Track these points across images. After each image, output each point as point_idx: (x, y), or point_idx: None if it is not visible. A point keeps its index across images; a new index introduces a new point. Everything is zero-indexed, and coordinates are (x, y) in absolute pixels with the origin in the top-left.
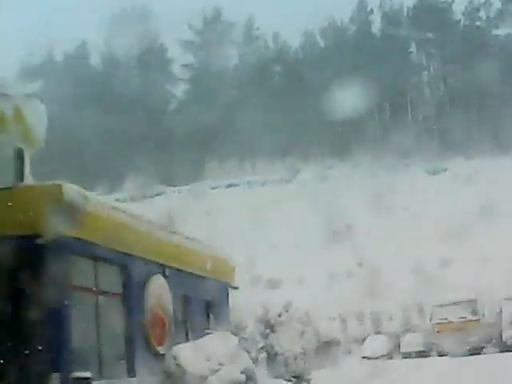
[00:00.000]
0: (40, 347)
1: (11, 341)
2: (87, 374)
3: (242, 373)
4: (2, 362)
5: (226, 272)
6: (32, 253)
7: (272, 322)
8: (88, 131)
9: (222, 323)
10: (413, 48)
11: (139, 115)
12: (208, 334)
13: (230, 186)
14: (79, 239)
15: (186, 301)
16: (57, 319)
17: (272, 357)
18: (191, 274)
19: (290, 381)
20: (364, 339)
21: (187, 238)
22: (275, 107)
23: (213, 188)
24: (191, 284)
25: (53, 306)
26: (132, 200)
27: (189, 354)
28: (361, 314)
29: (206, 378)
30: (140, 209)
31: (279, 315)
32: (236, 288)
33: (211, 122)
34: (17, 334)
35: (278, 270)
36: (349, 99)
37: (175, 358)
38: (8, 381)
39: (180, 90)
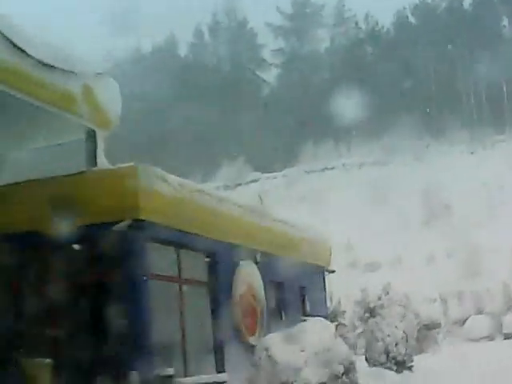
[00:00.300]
0: (118, 342)
1: (87, 335)
2: (170, 371)
3: (339, 364)
4: (78, 358)
5: (321, 255)
6: (108, 241)
7: (371, 305)
8: (180, 121)
9: (317, 310)
10: (505, 22)
11: (231, 102)
12: (303, 321)
13: (325, 169)
14: (159, 225)
15: (278, 287)
16: (136, 311)
17: (371, 343)
18: (284, 258)
19: (390, 369)
20: (465, 320)
21: (280, 221)
22: (368, 88)
23: (308, 172)
24: (284, 269)
25: (132, 296)
26: (226, 188)
27: (281, 344)
28: (461, 294)
29: (300, 370)
30: (234, 196)
31: (379, 298)
32: (332, 271)
33: (304, 106)
34: (93, 327)
35: (376, 253)
36: (443, 76)
37: (266, 349)
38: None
39: (271, 75)
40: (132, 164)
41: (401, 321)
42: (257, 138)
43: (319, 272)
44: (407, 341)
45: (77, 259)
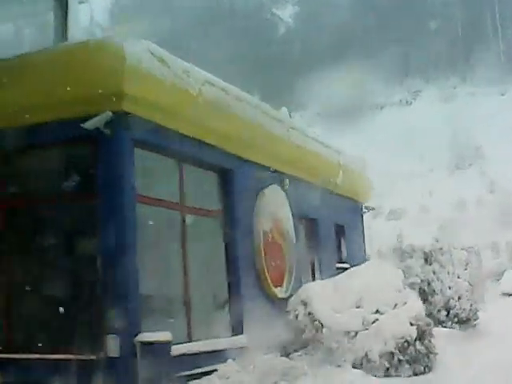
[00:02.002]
0: (91, 294)
1: (50, 284)
2: (165, 336)
3: (411, 325)
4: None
5: (360, 188)
6: (78, 145)
7: (426, 250)
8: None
9: (355, 255)
10: None
11: (249, 41)
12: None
13: None
14: (152, 124)
15: (311, 225)
16: (119, 250)
17: (427, 296)
18: (318, 188)
19: (450, 327)
20: (501, 273)
21: (313, 138)
22: (388, 27)
23: (319, 114)
24: (318, 202)
25: (112, 229)
26: None
27: (327, 297)
28: (495, 245)
29: (354, 333)
30: None
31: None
32: (372, 209)
33: (320, 45)
34: (59, 272)
35: (401, 198)
36: (470, 17)
37: (305, 303)
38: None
39: (288, 13)
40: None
41: (465, 269)
42: (274, 77)
43: (357, 209)
44: (472, 293)
45: (35, 171)
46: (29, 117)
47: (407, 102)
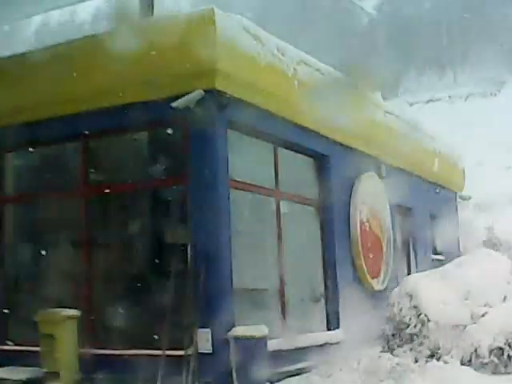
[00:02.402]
0: (181, 285)
1: (137, 274)
2: (261, 330)
3: None
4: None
5: (456, 178)
6: (168, 126)
7: None
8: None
9: (449, 246)
10: None
11: (331, 31)
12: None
13: (429, 101)
14: (246, 104)
15: (406, 214)
16: (210, 239)
17: None
18: (414, 175)
19: None
20: None
21: (407, 123)
22: (467, 18)
23: (411, 104)
24: (413, 190)
25: (203, 217)
26: None
27: (433, 289)
28: None
29: (462, 328)
30: None
31: None
32: (469, 198)
33: (404, 36)
34: (145, 261)
35: (485, 190)
36: None
37: (410, 295)
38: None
39: (370, 4)
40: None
41: None
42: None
43: (451, 199)
44: None
45: (120, 156)
46: (113, 98)
47: (491, 93)
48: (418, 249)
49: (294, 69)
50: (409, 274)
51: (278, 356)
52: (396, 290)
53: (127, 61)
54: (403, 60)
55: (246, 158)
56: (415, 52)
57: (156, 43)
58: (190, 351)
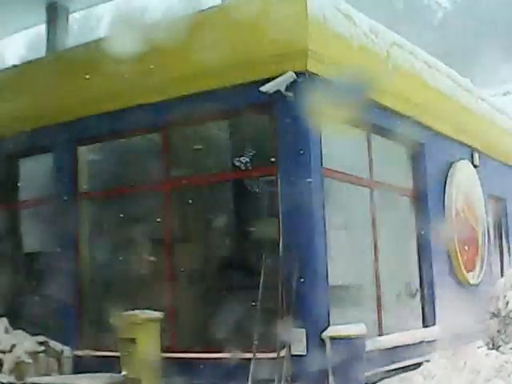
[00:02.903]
0: (273, 284)
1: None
2: (359, 329)
3: None
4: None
5: None
6: (256, 111)
7: None
8: None
9: None
10: None
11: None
12: None
13: (507, 93)
14: (339, 87)
15: (499, 203)
16: (303, 232)
17: None
18: (506, 164)
19: None
20: None
21: (499, 109)
22: None
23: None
24: (507, 180)
25: (295, 209)
26: None
27: None
28: None
29: None
30: None
31: None
32: None
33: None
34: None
35: None
36: None
37: None
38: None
39: None
40: None
41: None
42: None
43: None
44: None
45: (203, 145)
46: (196, 85)
47: None
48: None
49: (387, 51)
50: (502, 267)
51: (374, 356)
52: (500, 282)
53: (212, 44)
54: (479, 52)
55: (338, 146)
56: (491, 44)
57: (245, 24)
58: (282, 353)
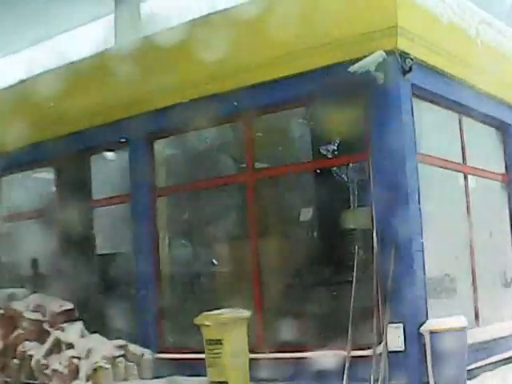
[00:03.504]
0: (366, 276)
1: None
2: (459, 321)
3: None
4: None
5: None
6: (343, 94)
7: None
8: None
9: None
10: None
11: None
12: None
13: None
14: (428, 68)
15: None
16: (399, 222)
17: None
18: None
19: None
20: None
21: None
22: None
23: None
24: None
25: (388, 198)
26: None
27: None
28: None
29: None
30: None
31: None
32: None
33: None
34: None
35: None
36: None
37: None
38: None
39: None
40: None
41: None
42: None
43: None
44: None
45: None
46: (279, 69)
47: None
48: None
49: (477, 29)
50: None
51: (473, 349)
52: None
53: (298, 26)
54: None
55: (430, 129)
56: None
57: (331, 1)
58: (379, 350)
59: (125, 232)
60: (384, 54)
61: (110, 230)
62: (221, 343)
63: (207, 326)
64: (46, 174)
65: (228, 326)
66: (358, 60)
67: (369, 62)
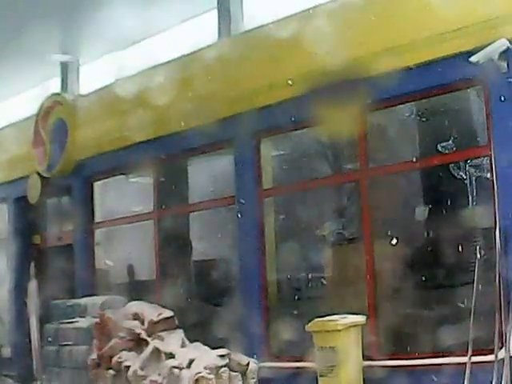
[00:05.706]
0: (488, 280)
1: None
2: None
3: None
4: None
5: None
6: (461, 86)
7: None
8: None
9: None
10: None
11: None
12: None
13: None
14: None
15: None
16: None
17: None
18: None
19: None
20: None
21: None
22: None
23: None
24: None
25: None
26: None
27: None
28: None
29: None
30: None
31: None
32: None
33: None
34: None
35: None
36: None
37: None
38: None
39: None
40: None
41: None
42: None
43: None
44: None
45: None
46: (392, 60)
47: None
48: None
49: None
50: None
51: None
52: None
53: (410, 10)
54: None
55: None
56: None
57: None
58: (501, 355)
59: (228, 236)
60: (507, 41)
61: (208, 234)
62: (334, 351)
63: (318, 332)
64: (140, 179)
65: (341, 333)
66: (479, 49)
67: (491, 51)
